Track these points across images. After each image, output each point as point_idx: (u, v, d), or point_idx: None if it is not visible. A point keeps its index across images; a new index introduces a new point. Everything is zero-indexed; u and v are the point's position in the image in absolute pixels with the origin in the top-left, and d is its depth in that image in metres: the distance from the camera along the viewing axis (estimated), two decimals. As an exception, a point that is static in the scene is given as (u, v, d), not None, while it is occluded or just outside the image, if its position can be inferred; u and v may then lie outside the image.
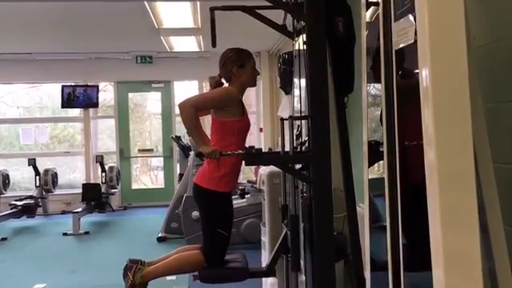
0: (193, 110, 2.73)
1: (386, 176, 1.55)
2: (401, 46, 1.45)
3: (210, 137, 2.93)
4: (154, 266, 2.91)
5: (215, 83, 2.93)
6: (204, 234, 2.93)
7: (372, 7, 1.82)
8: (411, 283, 1.46)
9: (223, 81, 2.93)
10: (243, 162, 2.57)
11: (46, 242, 6.36)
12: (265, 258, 3.83)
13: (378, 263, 1.76)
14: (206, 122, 3.30)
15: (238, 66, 2.86)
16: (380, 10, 1.60)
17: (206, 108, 2.90)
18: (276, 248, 2.99)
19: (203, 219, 2.96)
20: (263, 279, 3.87)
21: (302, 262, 2.74)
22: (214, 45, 2.85)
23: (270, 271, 3.04)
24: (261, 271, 3.24)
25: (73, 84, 8.58)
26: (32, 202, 7.40)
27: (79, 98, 8.58)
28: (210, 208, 2.89)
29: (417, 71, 1.32)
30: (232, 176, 2.89)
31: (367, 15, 1.84)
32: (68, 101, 8.55)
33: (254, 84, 2.97)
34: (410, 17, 1.37)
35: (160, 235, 6.05)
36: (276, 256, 2.97)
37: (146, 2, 5.13)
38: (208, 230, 2.90)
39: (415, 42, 1.33)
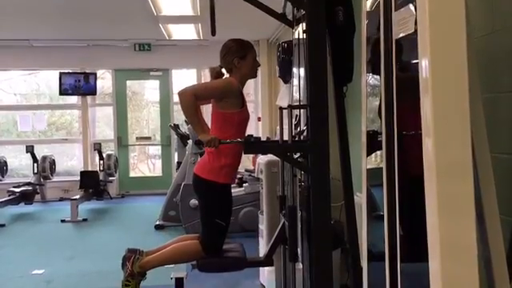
0: (192, 98, 2.72)
1: (384, 166, 1.56)
2: (401, 35, 1.45)
3: (209, 126, 2.93)
4: (153, 256, 2.93)
5: (216, 74, 2.92)
6: (202, 224, 2.95)
7: (372, -4, 1.81)
8: (408, 272, 1.48)
9: (224, 71, 2.92)
10: (243, 153, 2.57)
11: (44, 228, 6.38)
12: (262, 246, 3.86)
13: (374, 252, 1.77)
14: (204, 109, 3.29)
15: (239, 57, 2.85)
16: (380, 0, 1.59)
17: (206, 98, 2.89)
18: (274, 238, 3.01)
19: (202, 209, 2.98)
20: (261, 268, 3.91)
21: (299, 251, 2.77)
22: (213, 33, 2.85)
23: (267, 261, 3.06)
24: (258, 261, 3.26)
25: (70, 71, 8.54)
26: (30, 188, 7.41)
27: (77, 85, 8.55)
28: (208, 198, 2.90)
29: (416, 61, 1.33)
30: (232, 167, 2.90)
31: (367, 4, 1.84)
32: (66, 88, 8.52)
33: (254, 75, 2.96)
34: (411, 6, 1.37)
35: (158, 223, 6.08)
36: (274, 246, 2.99)
37: (144, -11, 5.10)
38: (206, 219, 2.91)
39: (415, 31, 1.33)
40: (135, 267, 2.86)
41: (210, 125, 2.94)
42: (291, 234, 2.66)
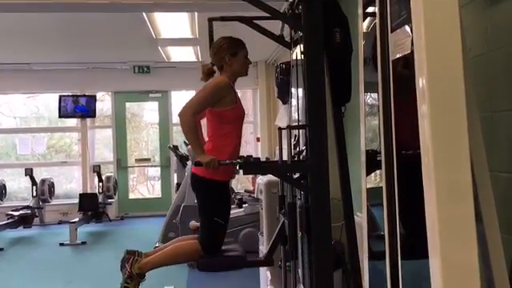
0: (193, 118, 2.73)
1: (383, 185, 1.56)
2: (397, 56, 1.47)
3: (206, 126, 2.93)
4: (152, 257, 2.92)
5: (207, 71, 2.93)
6: (201, 223, 2.94)
7: (368, 18, 1.84)
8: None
9: (215, 69, 2.93)
10: (242, 174, 2.58)
11: (42, 252, 6.33)
12: (263, 268, 3.82)
13: (376, 272, 1.76)
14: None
15: (230, 54, 2.85)
16: (377, 21, 1.61)
17: (205, 108, 2.87)
18: (274, 237, 2.96)
19: (200, 208, 2.96)
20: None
21: (300, 272, 2.74)
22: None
23: (267, 260, 3.01)
24: (258, 260, 3.23)
25: (70, 94, 8.59)
26: (29, 212, 7.37)
27: (76, 108, 8.58)
28: (206, 196, 2.88)
29: (413, 81, 1.34)
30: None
31: (364, 26, 1.86)
32: (65, 110, 8.55)
33: (245, 73, 2.96)
34: (407, 28, 1.39)
35: (157, 245, 6.02)
36: (274, 245, 2.94)
37: (144, 13, 5.15)
38: (205, 218, 2.90)
39: (412, 52, 1.34)
40: (134, 269, 2.84)
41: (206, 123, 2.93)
42: (291, 231, 2.64)
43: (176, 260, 3.00)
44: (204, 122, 3.00)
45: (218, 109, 2.82)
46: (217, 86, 2.82)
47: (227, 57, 2.85)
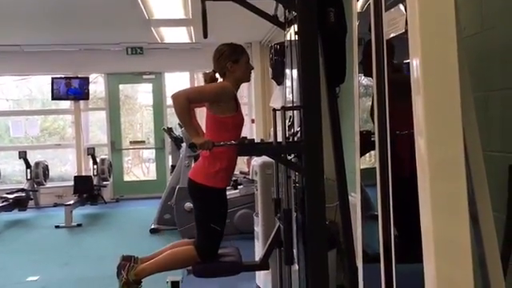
0: (186, 101, 2.72)
1: (377, 166, 1.57)
2: (391, 35, 1.46)
3: (204, 131, 2.93)
4: (148, 263, 2.91)
5: (210, 79, 2.93)
6: (197, 229, 2.94)
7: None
8: (403, 271, 1.48)
9: (217, 76, 2.93)
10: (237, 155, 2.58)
11: (38, 234, 6.34)
12: (258, 248, 3.86)
13: (370, 252, 1.78)
14: (199, 113, 3.28)
15: (232, 61, 2.86)
16: (371, 0, 1.60)
17: (200, 101, 2.89)
18: (269, 242, 3.01)
19: (197, 214, 2.96)
20: (256, 271, 3.90)
21: (295, 252, 2.77)
22: (205, 36, 2.85)
23: (263, 265, 3.06)
24: (254, 265, 3.26)
25: (63, 76, 8.51)
26: (23, 194, 7.36)
27: (69, 90, 8.52)
28: (203, 203, 2.89)
29: (407, 61, 1.33)
30: (227, 172, 2.89)
31: (358, 5, 1.85)
32: (58, 93, 8.49)
33: (248, 79, 2.98)
34: (401, 7, 1.38)
35: (153, 227, 6.06)
36: (269, 249, 2.99)
37: (136, -7, 5.09)
38: (201, 224, 2.90)
39: (406, 31, 1.33)
40: (130, 275, 2.84)
41: (204, 130, 2.94)
42: (286, 237, 2.66)
43: (172, 266, 3.00)
44: (202, 118, 3.00)
45: (218, 115, 2.82)
46: (222, 88, 2.84)
47: (229, 64, 2.85)
